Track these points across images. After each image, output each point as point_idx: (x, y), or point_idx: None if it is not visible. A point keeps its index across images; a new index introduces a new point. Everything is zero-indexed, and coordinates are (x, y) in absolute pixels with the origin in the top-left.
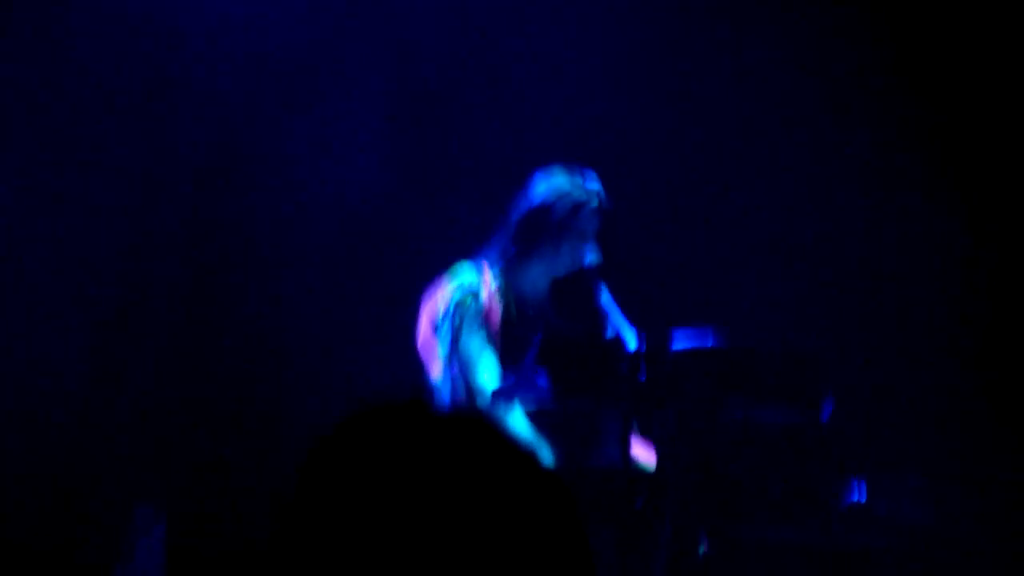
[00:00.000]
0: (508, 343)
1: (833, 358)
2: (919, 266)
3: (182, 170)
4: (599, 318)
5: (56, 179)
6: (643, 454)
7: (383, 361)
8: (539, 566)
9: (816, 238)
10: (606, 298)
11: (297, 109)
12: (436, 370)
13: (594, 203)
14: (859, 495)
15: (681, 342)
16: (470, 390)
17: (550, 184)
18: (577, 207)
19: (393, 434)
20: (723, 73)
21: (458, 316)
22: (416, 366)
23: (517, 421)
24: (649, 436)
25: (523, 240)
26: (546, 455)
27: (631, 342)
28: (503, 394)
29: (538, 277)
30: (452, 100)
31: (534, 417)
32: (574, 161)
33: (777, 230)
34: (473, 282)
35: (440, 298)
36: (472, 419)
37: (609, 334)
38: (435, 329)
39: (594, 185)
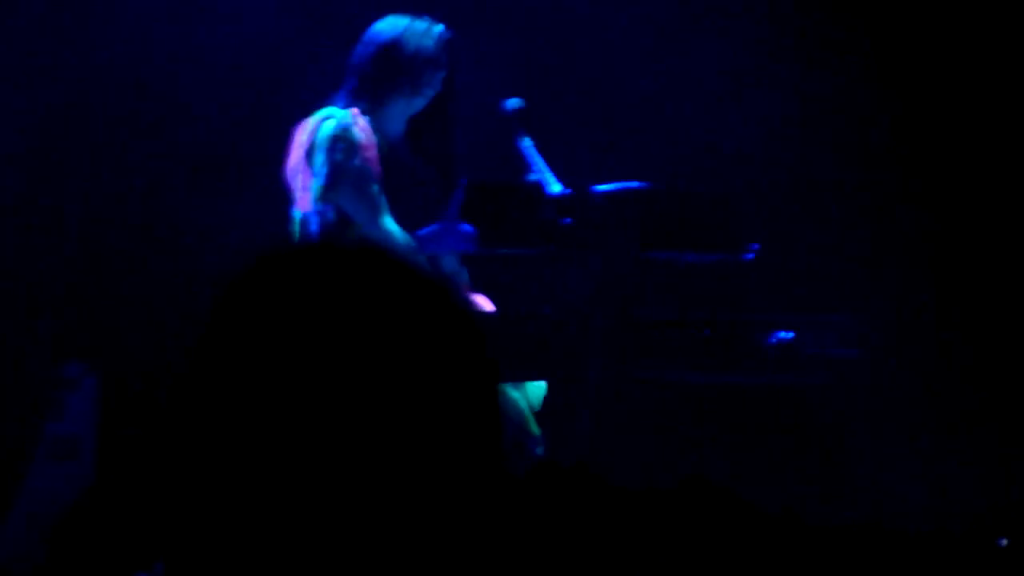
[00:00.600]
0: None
1: (757, 199)
2: (843, 112)
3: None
4: (520, 162)
5: None
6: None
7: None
8: (449, 403)
9: (745, 87)
10: (527, 143)
11: None
12: (304, 202)
13: (439, 30)
14: (785, 333)
15: (603, 184)
16: (344, 221)
17: (393, 22)
18: (425, 35)
19: (303, 273)
20: None
21: (339, 150)
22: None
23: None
24: (575, 280)
25: (379, 81)
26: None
27: (554, 184)
28: (426, 240)
29: (399, 116)
30: None
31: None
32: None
33: (704, 79)
34: (347, 118)
35: (314, 130)
36: (383, 254)
37: (531, 178)
38: (308, 161)
39: (436, 27)
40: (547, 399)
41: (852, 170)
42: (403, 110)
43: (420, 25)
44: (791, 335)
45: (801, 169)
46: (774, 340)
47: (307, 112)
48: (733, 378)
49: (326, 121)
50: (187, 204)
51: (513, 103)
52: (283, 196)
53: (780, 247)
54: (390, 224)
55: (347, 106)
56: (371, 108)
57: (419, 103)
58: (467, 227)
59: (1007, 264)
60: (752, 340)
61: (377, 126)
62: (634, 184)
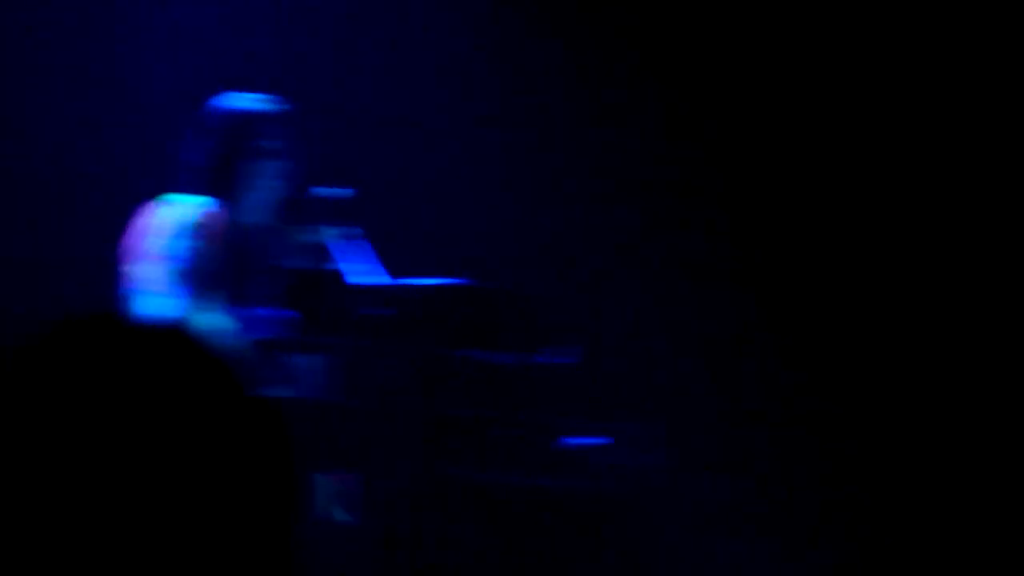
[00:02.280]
0: (234, 274)
1: (556, 297)
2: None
3: None
4: (325, 252)
5: None
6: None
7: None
8: (239, 482)
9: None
10: (331, 232)
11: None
12: (154, 284)
13: (267, 109)
14: (592, 439)
15: (407, 279)
16: (192, 307)
17: (224, 107)
18: (250, 116)
19: (89, 346)
20: None
21: (198, 237)
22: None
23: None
24: (373, 372)
25: (219, 169)
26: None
27: (354, 276)
28: (243, 322)
29: (251, 206)
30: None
31: (264, 347)
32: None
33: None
34: (206, 207)
35: (169, 217)
36: (171, 332)
37: (336, 268)
38: (161, 245)
39: (268, 97)
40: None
41: (665, 268)
42: (255, 198)
43: (249, 109)
44: (598, 440)
45: (614, 271)
46: (570, 443)
47: None
48: (536, 481)
49: (185, 209)
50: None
51: (319, 191)
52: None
53: (588, 350)
54: (218, 309)
55: (206, 191)
56: (226, 197)
57: (264, 190)
58: (289, 312)
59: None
60: (551, 443)
61: (234, 213)
62: (442, 280)
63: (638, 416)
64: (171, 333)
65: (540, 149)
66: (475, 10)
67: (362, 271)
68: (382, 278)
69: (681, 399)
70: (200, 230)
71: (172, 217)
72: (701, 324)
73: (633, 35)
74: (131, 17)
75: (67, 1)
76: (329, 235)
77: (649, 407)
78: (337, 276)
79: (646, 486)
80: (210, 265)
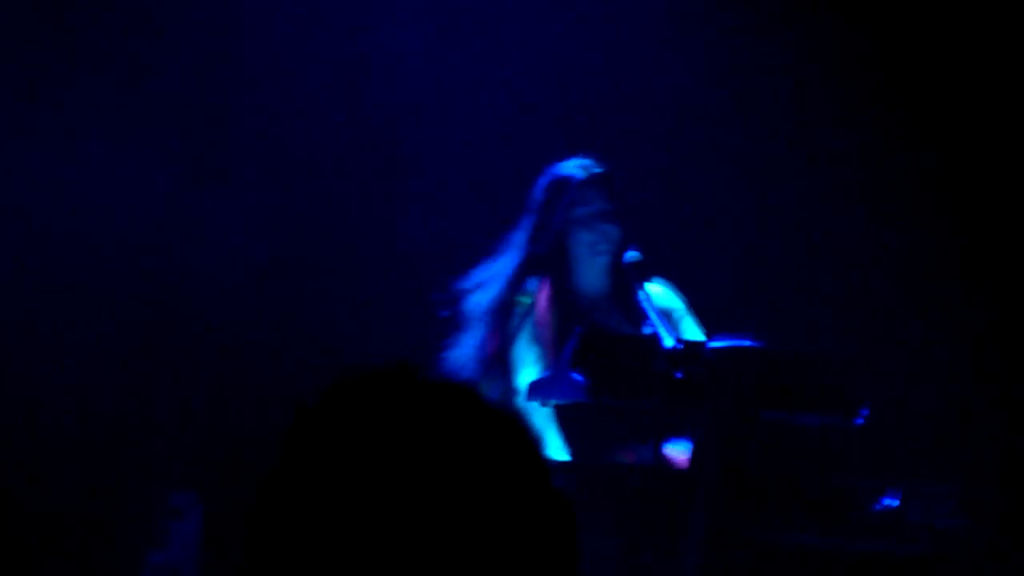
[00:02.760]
0: (561, 340)
1: (869, 362)
2: (948, 272)
3: None
4: (637, 314)
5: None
6: (677, 454)
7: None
8: (517, 545)
9: (847, 241)
10: (643, 295)
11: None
12: (477, 359)
13: (579, 176)
14: (891, 500)
15: (718, 340)
16: (507, 392)
17: (545, 176)
18: (562, 184)
19: (376, 402)
20: (721, 74)
21: (514, 316)
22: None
23: (544, 416)
24: (683, 435)
25: (542, 239)
26: (563, 451)
27: (668, 339)
28: (538, 388)
29: (585, 273)
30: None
31: (568, 412)
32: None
33: (802, 238)
34: (531, 286)
35: (495, 294)
36: (458, 388)
37: (646, 330)
38: (486, 323)
39: (585, 162)
40: (650, 554)
41: (964, 344)
42: (580, 268)
43: (565, 172)
44: (897, 502)
45: (909, 333)
46: (879, 506)
47: None
48: (837, 542)
49: (511, 287)
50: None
51: (631, 255)
52: None
53: (891, 411)
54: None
55: (530, 267)
56: (554, 270)
57: (586, 258)
58: (578, 376)
59: None
60: (858, 505)
61: (565, 285)
62: (747, 342)
63: (932, 476)
64: (463, 392)
65: (823, 203)
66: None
67: (667, 333)
68: (695, 341)
69: (973, 457)
70: (532, 309)
71: (497, 294)
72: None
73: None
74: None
75: None
76: (643, 298)
77: (942, 466)
78: (651, 339)
79: (948, 547)
80: (536, 344)
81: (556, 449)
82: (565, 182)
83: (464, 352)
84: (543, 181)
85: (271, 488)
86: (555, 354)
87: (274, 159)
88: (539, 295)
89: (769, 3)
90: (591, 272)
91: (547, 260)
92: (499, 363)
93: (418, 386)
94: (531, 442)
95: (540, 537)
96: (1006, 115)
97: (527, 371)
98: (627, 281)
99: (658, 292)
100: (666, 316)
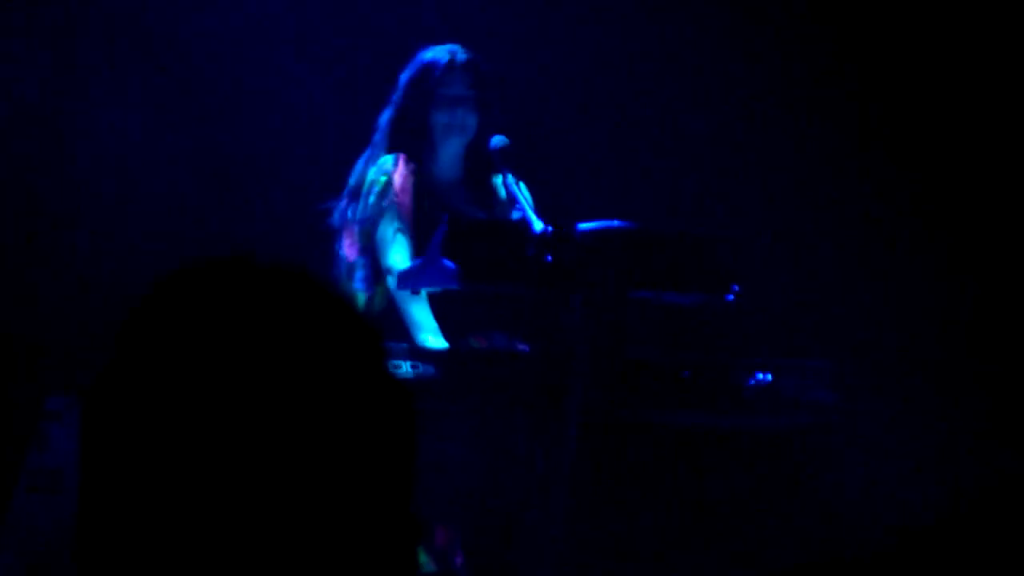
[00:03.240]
0: (422, 228)
1: (738, 241)
2: (824, 157)
3: None
4: (492, 200)
5: None
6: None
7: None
8: (351, 433)
9: (721, 130)
10: (511, 180)
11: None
12: (351, 249)
13: (444, 59)
14: (764, 376)
15: (587, 223)
16: (378, 272)
17: (414, 60)
18: (431, 67)
19: (208, 290)
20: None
21: (372, 195)
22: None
23: (418, 304)
24: (556, 318)
25: (404, 118)
26: (442, 338)
27: (537, 223)
28: (409, 277)
29: (440, 156)
30: None
31: (439, 298)
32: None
33: (686, 124)
34: (387, 164)
35: (358, 178)
36: (293, 274)
37: (514, 216)
38: (350, 208)
39: (453, 49)
40: (529, 437)
41: (833, 214)
42: (439, 147)
43: (433, 56)
44: (770, 377)
45: (786, 214)
46: (753, 382)
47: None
48: (712, 420)
49: (368, 168)
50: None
51: (497, 140)
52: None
53: (762, 290)
54: (393, 263)
55: (392, 148)
56: (414, 149)
57: (456, 134)
58: (449, 263)
59: (991, 305)
60: (731, 381)
61: (422, 166)
62: (617, 223)
63: (805, 353)
64: (299, 277)
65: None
66: None
67: (535, 218)
68: (565, 224)
69: (849, 336)
70: (389, 187)
71: (364, 176)
72: (873, 264)
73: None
74: None
75: None
76: (510, 184)
77: (815, 344)
78: (520, 224)
79: (821, 420)
80: (397, 220)
81: (432, 336)
82: (430, 65)
83: (344, 249)
84: (411, 64)
85: (104, 381)
86: (415, 232)
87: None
88: (394, 174)
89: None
90: (446, 155)
91: (407, 141)
92: (368, 244)
93: (252, 273)
94: (367, 328)
95: (375, 425)
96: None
97: (394, 250)
98: (493, 166)
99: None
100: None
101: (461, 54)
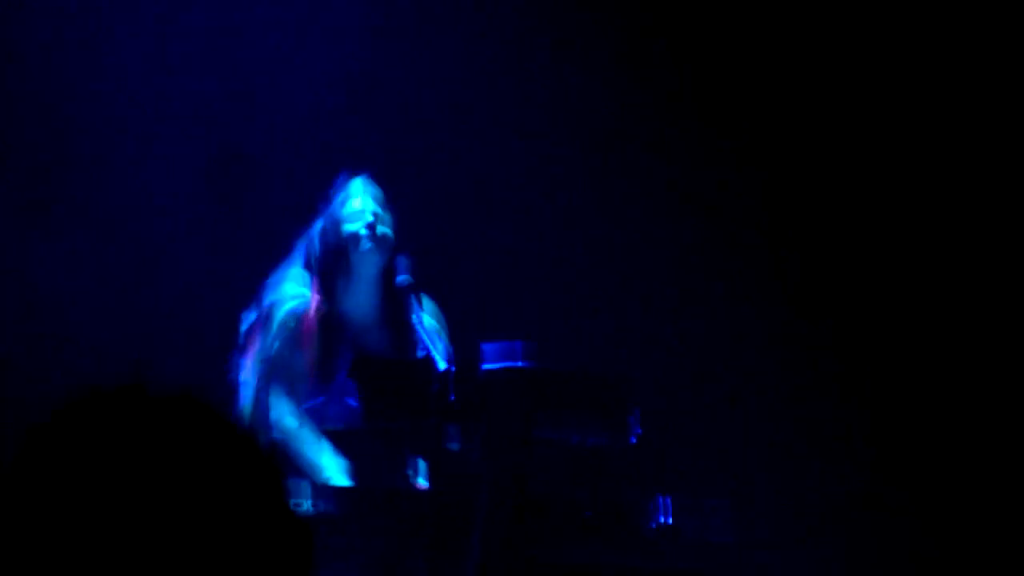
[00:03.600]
0: (325, 361)
1: (638, 379)
2: (724, 288)
3: None
4: (409, 336)
5: None
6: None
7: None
8: (253, 560)
9: (621, 253)
10: (416, 317)
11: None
12: (250, 375)
13: (348, 178)
14: (666, 516)
15: (491, 360)
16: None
17: (328, 209)
18: (337, 188)
19: (106, 418)
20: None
21: (279, 338)
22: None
23: (321, 443)
24: (458, 456)
25: (318, 258)
26: (346, 476)
27: (441, 361)
28: (313, 413)
29: (352, 296)
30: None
31: (342, 436)
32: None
33: (581, 250)
34: (302, 298)
35: (268, 305)
36: (193, 404)
37: (419, 353)
38: (251, 335)
39: (366, 204)
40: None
41: (739, 351)
42: (352, 284)
43: (342, 217)
44: (671, 519)
45: (689, 349)
46: (655, 524)
47: None
48: (616, 560)
49: (281, 297)
50: None
51: (403, 279)
52: None
53: (663, 429)
54: (278, 409)
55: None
56: (325, 283)
57: (360, 271)
58: (352, 401)
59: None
60: (635, 522)
61: (333, 304)
62: (520, 363)
63: (706, 493)
64: (198, 408)
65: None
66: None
67: (440, 356)
68: (471, 364)
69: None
70: (293, 329)
71: (271, 310)
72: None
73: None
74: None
75: None
76: (416, 323)
77: (715, 483)
78: (425, 362)
79: (722, 561)
80: (298, 361)
81: (336, 474)
82: (340, 186)
83: (244, 369)
84: (325, 223)
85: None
86: (320, 371)
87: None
88: (304, 317)
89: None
90: (361, 293)
91: (322, 275)
92: (272, 376)
93: (151, 402)
94: (267, 462)
95: (272, 558)
96: None
97: (284, 403)
98: (399, 304)
99: (428, 310)
100: (436, 335)
101: (373, 204)
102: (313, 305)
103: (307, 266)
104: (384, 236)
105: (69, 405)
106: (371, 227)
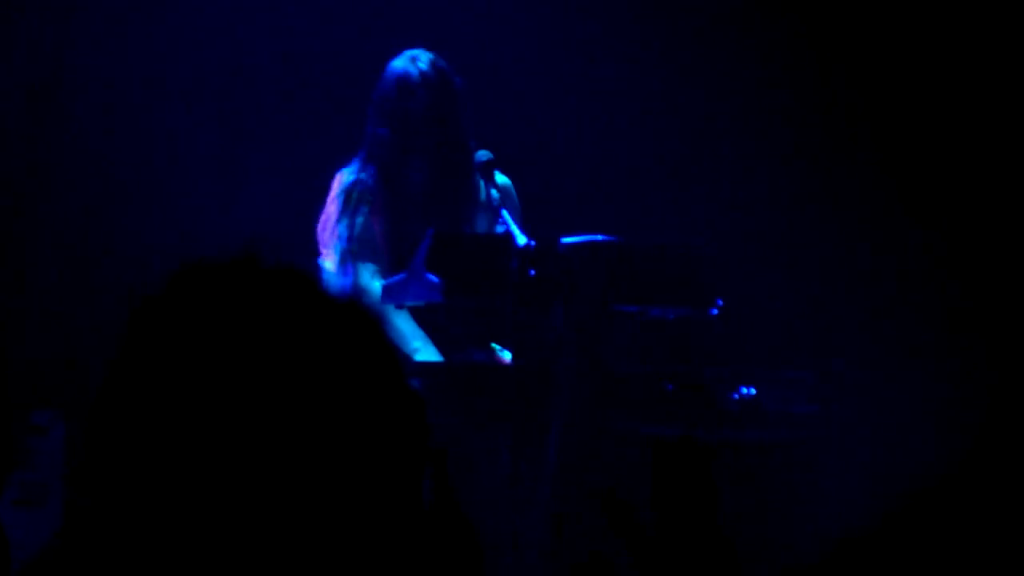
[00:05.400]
0: (395, 239)
1: (721, 253)
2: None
3: None
4: (489, 213)
5: None
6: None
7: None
8: (362, 438)
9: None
10: (494, 195)
11: None
12: (330, 257)
13: (411, 75)
14: (748, 389)
15: (570, 237)
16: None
17: (385, 72)
18: (397, 83)
19: (217, 290)
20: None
21: (348, 206)
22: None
23: (404, 317)
24: (539, 332)
25: (378, 134)
26: (431, 352)
27: (520, 237)
28: (392, 290)
29: (417, 170)
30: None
31: (423, 312)
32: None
33: (668, 143)
34: (363, 175)
35: (337, 191)
36: (301, 277)
37: (498, 229)
38: (329, 219)
39: (417, 58)
40: (512, 450)
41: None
42: (412, 158)
43: (396, 64)
44: (753, 391)
45: (770, 224)
46: (737, 396)
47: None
48: (697, 433)
49: (343, 179)
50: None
51: (481, 155)
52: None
53: (746, 302)
54: (364, 280)
55: (364, 158)
56: (384, 161)
57: (425, 149)
58: (432, 277)
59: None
60: (715, 395)
61: (391, 176)
62: (600, 237)
63: (787, 365)
64: (307, 281)
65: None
66: None
67: (519, 231)
68: (548, 238)
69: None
70: (358, 198)
71: (343, 190)
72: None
73: None
74: None
75: None
76: (494, 198)
77: (796, 356)
78: (504, 238)
79: (804, 432)
80: (370, 233)
81: (421, 344)
82: (396, 81)
83: (323, 259)
84: (381, 78)
85: (111, 381)
86: (393, 247)
87: None
88: (372, 190)
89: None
90: (423, 169)
91: (384, 155)
92: (346, 258)
93: (261, 274)
94: (379, 334)
95: (386, 429)
96: None
97: (368, 268)
98: (478, 179)
99: (503, 185)
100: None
101: (426, 68)
102: (374, 173)
103: (369, 157)
104: (435, 70)
105: (181, 276)
106: (418, 62)
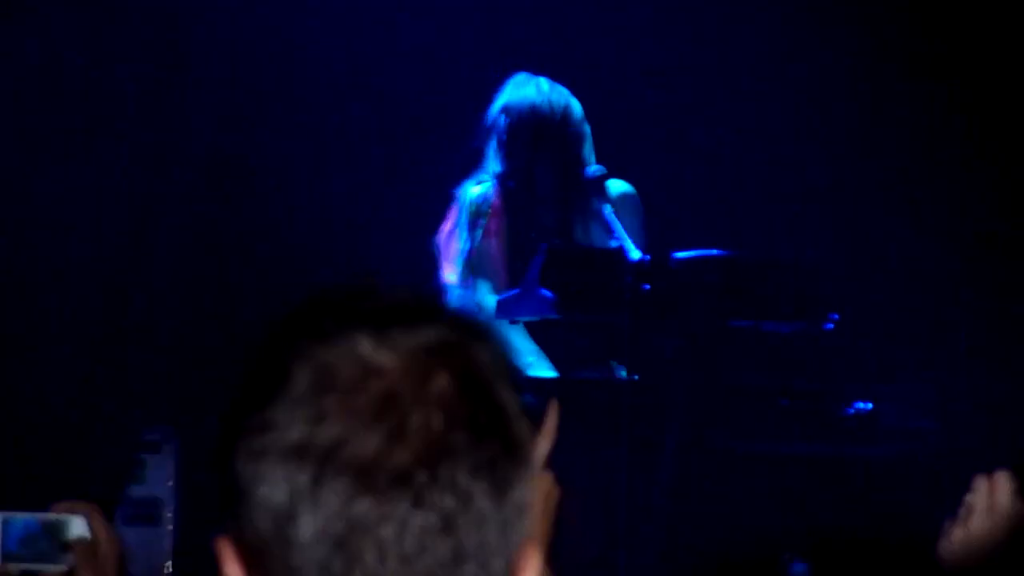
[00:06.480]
0: (519, 256)
1: (838, 269)
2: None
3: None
4: (602, 229)
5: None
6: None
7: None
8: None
9: (821, 154)
10: (608, 209)
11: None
12: (450, 272)
13: (546, 108)
14: (865, 404)
15: (683, 252)
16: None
17: (513, 95)
18: (533, 113)
19: (343, 317)
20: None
21: (470, 221)
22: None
23: (518, 332)
24: (653, 347)
25: (505, 152)
26: (545, 367)
27: (634, 252)
28: (506, 305)
29: (538, 187)
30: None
31: (537, 327)
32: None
33: (782, 151)
34: (486, 191)
35: (459, 205)
36: (425, 302)
37: (611, 245)
38: (451, 234)
39: (551, 91)
40: (625, 467)
41: (930, 240)
42: (543, 178)
43: (527, 92)
44: (870, 406)
45: (883, 238)
46: (853, 411)
47: None
48: (812, 449)
49: (467, 195)
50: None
51: (594, 170)
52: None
53: (861, 316)
54: (481, 295)
55: (486, 174)
56: (508, 178)
57: (554, 170)
58: (546, 292)
59: None
60: (830, 410)
61: (520, 195)
62: (714, 252)
63: (903, 380)
64: (432, 306)
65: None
66: None
67: (632, 246)
68: (661, 254)
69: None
70: (478, 214)
71: (464, 205)
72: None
73: None
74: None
75: None
76: (607, 213)
77: (912, 371)
78: (617, 253)
79: (921, 448)
80: (489, 249)
81: (535, 359)
82: (532, 111)
83: (442, 273)
84: (511, 101)
85: (239, 405)
86: (511, 262)
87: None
88: (492, 205)
89: None
90: (543, 187)
91: (507, 172)
92: (466, 273)
93: (386, 300)
94: (503, 355)
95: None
96: None
97: (486, 285)
98: (591, 195)
99: (622, 195)
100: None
101: (560, 99)
102: (496, 189)
103: (491, 172)
104: (558, 93)
105: (306, 304)
106: (540, 84)
